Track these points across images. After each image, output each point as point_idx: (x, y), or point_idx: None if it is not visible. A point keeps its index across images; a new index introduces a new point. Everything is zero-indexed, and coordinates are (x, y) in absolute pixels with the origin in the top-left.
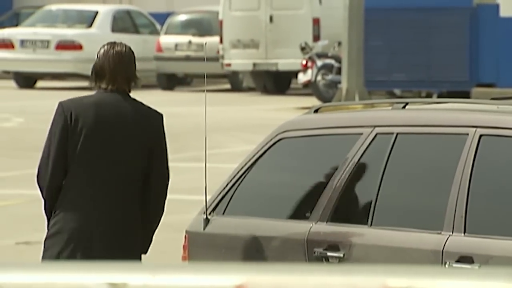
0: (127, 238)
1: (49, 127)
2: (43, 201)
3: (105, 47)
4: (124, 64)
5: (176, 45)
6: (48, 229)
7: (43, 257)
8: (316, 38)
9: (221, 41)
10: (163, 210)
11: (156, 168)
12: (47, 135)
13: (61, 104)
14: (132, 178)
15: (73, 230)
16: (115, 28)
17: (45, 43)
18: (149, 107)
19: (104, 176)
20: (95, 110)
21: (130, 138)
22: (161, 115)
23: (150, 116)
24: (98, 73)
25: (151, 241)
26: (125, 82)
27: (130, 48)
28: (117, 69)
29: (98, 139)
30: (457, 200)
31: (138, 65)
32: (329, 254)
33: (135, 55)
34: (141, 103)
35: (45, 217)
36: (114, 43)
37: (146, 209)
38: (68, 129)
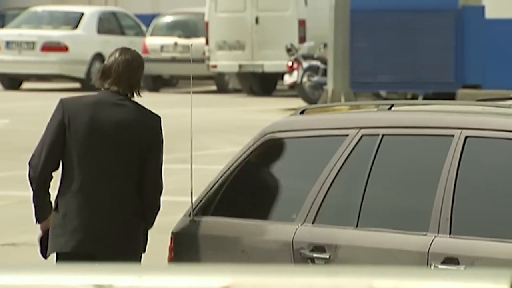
0: (127, 237)
1: (36, 127)
2: (31, 192)
3: (118, 51)
4: (131, 70)
5: (162, 47)
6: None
7: (46, 252)
8: (302, 39)
9: (207, 42)
10: (159, 208)
11: (150, 167)
12: (45, 129)
13: (61, 101)
14: (128, 176)
15: (75, 228)
16: (100, 30)
17: (31, 45)
18: (148, 110)
19: (99, 175)
20: (93, 110)
21: (126, 138)
22: (159, 117)
23: (147, 118)
24: (105, 73)
25: (147, 239)
26: (127, 87)
27: (141, 58)
28: (123, 73)
29: (94, 138)
30: (442, 202)
31: None
32: (315, 255)
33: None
34: (141, 105)
35: (33, 207)
36: (128, 49)
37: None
38: (64, 125)
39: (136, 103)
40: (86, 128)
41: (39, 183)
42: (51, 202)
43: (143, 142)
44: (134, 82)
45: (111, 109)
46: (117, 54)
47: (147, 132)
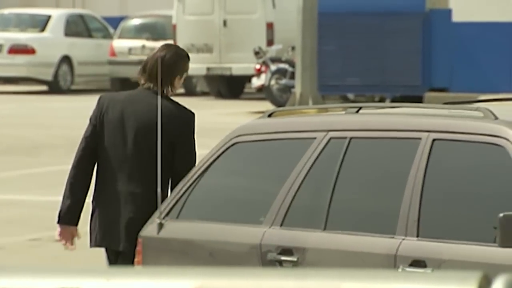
0: None
1: (3, 130)
2: (66, 183)
3: (160, 47)
4: (163, 68)
5: (130, 49)
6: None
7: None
8: (270, 42)
9: None
10: None
11: (178, 164)
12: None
13: (100, 97)
14: (151, 174)
15: (101, 222)
16: (68, 32)
17: None
18: (181, 107)
19: (121, 172)
20: (123, 105)
21: (148, 136)
22: (192, 114)
23: (175, 116)
24: (143, 69)
25: None
26: (156, 84)
27: (178, 55)
28: (154, 70)
29: (119, 135)
30: (410, 204)
31: (91, 70)
32: (282, 258)
33: (87, 59)
34: (173, 103)
35: (61, 202)
36: (168, 46)
37: None
38: (97, 120)
39: (169, 100)
40: (113, 125)
41: (72, 170)
42: (81, 210)
43: (168, 140)
44: (165, 80)
45: (138, 107)
46: (156, 51)
47: (173, 131)
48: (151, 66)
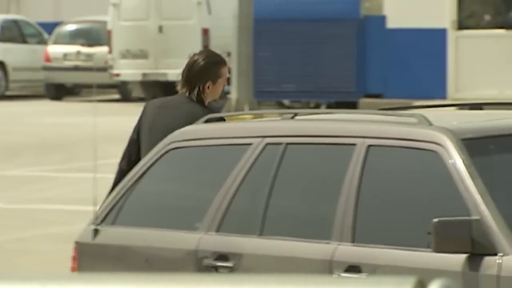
0: None
1: None
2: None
3: (196, 52)
4: (194, 72)
5: (65, 55)
6: None
7: None
8: (206, 48)
9: (110, 51)
10: None
11: None
12: None
13: (145, 104)
14: None
15: None
16: (2, 38)
17: None
18: (210, 112)
19: None
20: (156, 111)
21: None
22: (222, 120)
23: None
24: (181, 75)
25: None
26: (188, 88)
27: (209, 61)
28: (186, 75)
29: (149, 139)
30: (345, 210)
31: (26, 75)
32: (218, 264)
33: (22, 64)
34: (204, 107)
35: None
36: (202, 52)
37: None
38: (140, 125)
39: (200, 105)
40: (147, 130)
41: (117, 172)
42: None
43: None
44: (194, 85)
45: (167, 112)
46: (192, 55)
47: None
48: (185, 71)
